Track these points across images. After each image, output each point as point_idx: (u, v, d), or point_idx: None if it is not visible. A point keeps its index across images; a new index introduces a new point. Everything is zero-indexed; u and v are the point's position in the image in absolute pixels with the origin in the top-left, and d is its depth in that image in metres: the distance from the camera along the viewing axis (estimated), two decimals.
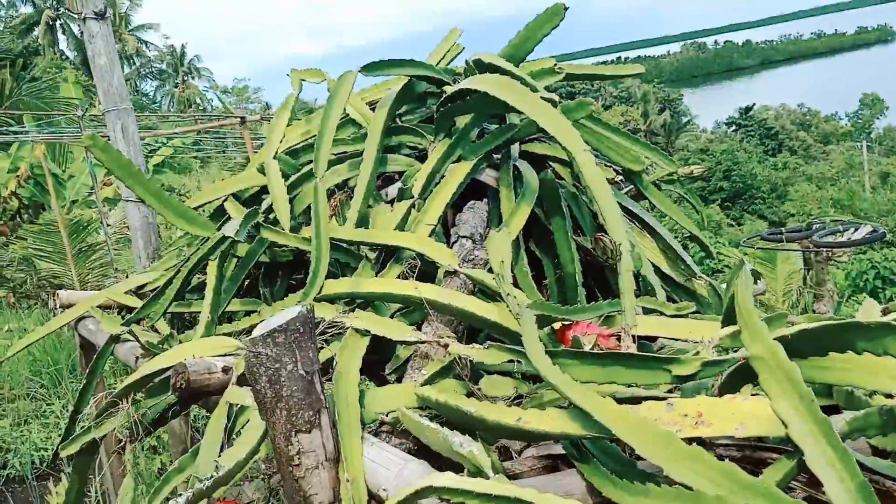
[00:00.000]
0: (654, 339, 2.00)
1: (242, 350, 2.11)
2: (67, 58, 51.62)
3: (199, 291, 3.14)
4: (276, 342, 1.61)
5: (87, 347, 3.60)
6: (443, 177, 2.85)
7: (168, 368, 2.14)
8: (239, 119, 6.38)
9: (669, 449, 1.10)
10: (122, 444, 2.22)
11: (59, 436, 5.64)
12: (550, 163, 3.08)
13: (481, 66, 3.04)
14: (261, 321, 1.73)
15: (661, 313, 2.14)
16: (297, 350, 1.63)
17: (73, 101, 14.09)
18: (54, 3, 50.97)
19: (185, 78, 60.22)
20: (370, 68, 3.14)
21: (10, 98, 12.67)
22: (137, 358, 2.68)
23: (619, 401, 1.23)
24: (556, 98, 2.38)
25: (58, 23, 51.33)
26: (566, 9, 2.95)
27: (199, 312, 2.86)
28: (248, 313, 3.01)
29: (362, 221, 2.79)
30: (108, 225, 7.10)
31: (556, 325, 1.91)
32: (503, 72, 2.78)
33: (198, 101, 54.65)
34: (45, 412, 6.07)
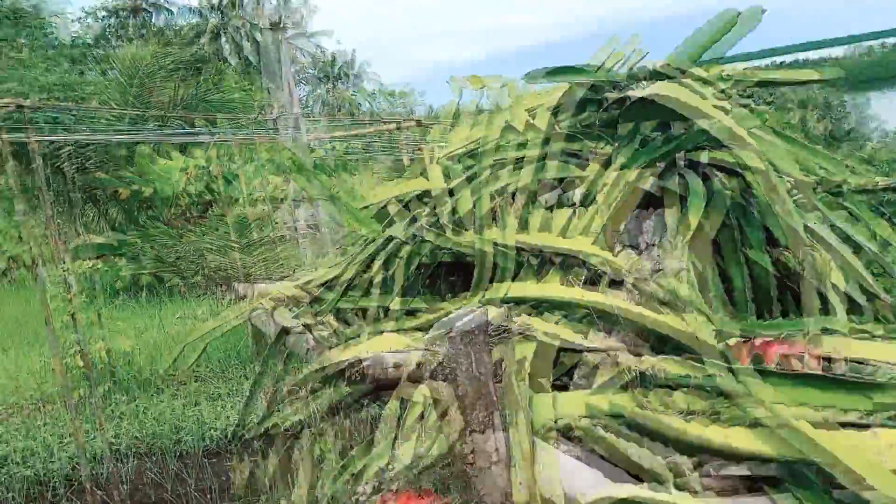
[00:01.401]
0: (855, 361, 1.90)
1: (413, 348, 2.21)
2: (230, 64, 55.29)
3: (362, 289, 3.30)
4: (453, 343, 1.68)
5: (259, 336, 3.85)
6: (605, 185, 2.84)
7: (345, 361, 2.27)
8: (395, 124, 6.62)
9: (878, 480, 1.05)
10: (300, 429, 2.38)
11: (227, 416, 6.07)
12: (717, 172, 2.99)
13: (648, 74, 3.00)
14: (435, 320, 1.81)
15: (868, 334, 2.02)
16: (472, 352, 1.69)
17: (237, 105, 15.11)
18: (219, 13, 54.67)
19: (337, 83, 62.81)
20: (532, 76, 3.17)
21: (183, 102, 13.67)
22: (308, 349, 2.86)
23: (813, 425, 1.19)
24: (750, 104, 2.31)
25: (223, 31, 55.04)
26: (764, 12, 2.83)
27: (364, 308, 3.01)
28: (408, 312, 3.13)
29: (523, 227, 2.84)
30: (276, 222, 7.61)
31: (732, 341, 1.86)
32: (671, 79, 2.73)
33: (347, 105, 56.83)
34: (213, 394, 6.52)
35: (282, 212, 12.20)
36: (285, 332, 3.08)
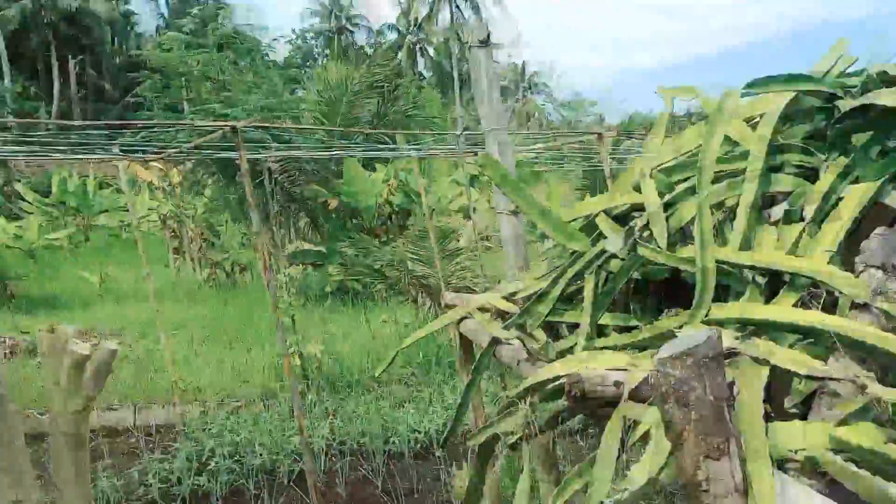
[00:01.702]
0: None
1: (633, 366, 2.19)
2: (424, 77, 57.63)
3: (568, 302, 3.30)
4: (685, 365, 1.64)
5: (467, 345, 3.97)
6: (840, 199, 2.65)
7: (563, 376, 2.29)
8: (596, 135, 6.57)
9: None
10: (518, 441, 2.43)
11: (431, 420, 6.31)
12: None
13: (886, 79, 2.76)
14: (655, 339, 1.78)
15: None
16: (705, 375, 1.65)
17: (436, 120, 15.70)
18: (416, 29, 57.07)
19: (525, 94, 63.33)
20: (753, 85, 3.04)
21: (384, 118, 14.35)
22: (519, 361, 2.91)
23: None
24: None
25: (417, 47, 57.42)
26: None
27: (572, 322, 3.02)
28: (619, 329, 3.09)
29: (746, 243, 2.71)
30: (480, 234, 7.85)
31: None
32: None
33: (535, 115, 57.07)
34: (417, 398, 6.83)
35: (476, 223, 12.51)
36: (496, 341, 3.16)
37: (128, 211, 23.92)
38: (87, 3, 40.46)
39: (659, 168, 3.45)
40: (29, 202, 22.60)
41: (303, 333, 7.45)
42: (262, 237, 5.42)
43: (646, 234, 3.14)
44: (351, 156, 11.67)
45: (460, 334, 3.95)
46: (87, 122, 5.69)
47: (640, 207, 3.34)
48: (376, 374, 5.27)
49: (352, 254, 9.40)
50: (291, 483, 5.27)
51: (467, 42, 4.56)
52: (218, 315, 11.19)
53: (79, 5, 40.17)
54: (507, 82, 63.61)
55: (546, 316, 3.15)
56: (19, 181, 25.53)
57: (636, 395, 2.09)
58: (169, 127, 9.71)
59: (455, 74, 51.92)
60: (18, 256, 17.22)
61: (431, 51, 58.40)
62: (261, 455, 5.51)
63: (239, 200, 13.01)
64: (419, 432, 6.11)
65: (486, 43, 4.48)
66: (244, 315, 11.05)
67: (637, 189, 3.33)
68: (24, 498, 2.18)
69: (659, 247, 2.91)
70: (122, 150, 6.17)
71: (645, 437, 1.94)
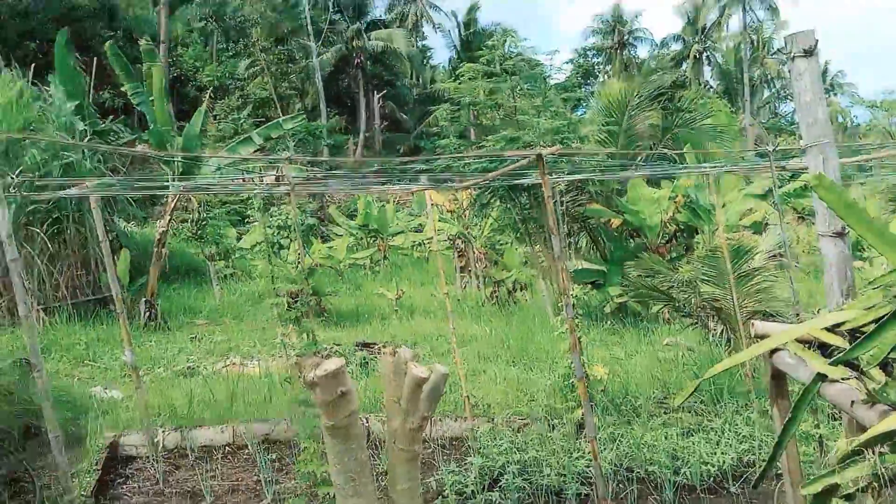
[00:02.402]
0: None
1: None
2: (711, 87, 54.87)
3: None
4: None
5: (779, 378, 3.60)
6: None
7: None
8: None
9: None
10: (860, 493, 2.13)
11: (723, 452, 5.87)
12: None
13: None
14: None
15: None
16: None
17: (724, 130, 14.79)
18: (702, 37, 54.59)
19: (828, 93, 57.49)
20: None
21: (668, 131, 13.82)
22: (853, 403, 2.55)
23: None
24: None
25: (703, 55, 54.84)
26: None
27: None
28: None
29: None
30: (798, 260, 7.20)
31: None
32: None
33: (840, 118, 51.54)
34: (706, 427, 6.40)
35: (765, 240, 11.52)
36: (821, 378, 2.81)
37: (419, 232, 25.86)
38: (391, 42, 44.63)
39: None
40: (339, 225, 25.34)
41: (588, 354, 7.37)
42: (561, 259, 5.46)
43: None
44: (641, 175, 11.41)
45: (772, 367, 3.60)
46: (409, 158, 6.20)
47: None
48: (676, 404, 5.02)
49: (637, 274, 9.13)
50: None
51: (790, 52, 4.19)
52: (501, 332, 11.53)
53: (385, 45, 44.45)
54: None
55: (889, 353, 2.75)
56: (330, 206, 28.82)
57: None
58: (479, 157, 10.27)
59: (745, 80, 48.79)
60: (329, 274, 19.33)
61: (719, 57, 55.49)
62: (548, 475, 5.52)
63: (523, 220, 13.34)
64: (711, 465, 5.71)
65: (811, 52, 4.09)
66: (525, 333, 11.26)
67: None
68: None
69: None
70: (429, 180, 6.61)
71: None
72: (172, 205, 13.23)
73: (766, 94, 55.82)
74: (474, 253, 17.96)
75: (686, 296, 8.32)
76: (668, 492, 5.35)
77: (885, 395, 2.45)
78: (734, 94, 51.45)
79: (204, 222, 15.66)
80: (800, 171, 20.51)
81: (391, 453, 2.48)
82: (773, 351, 3.60)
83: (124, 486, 5.64)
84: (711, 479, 5.59)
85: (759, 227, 16.00)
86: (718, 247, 7.65)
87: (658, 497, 5.35)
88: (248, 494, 5.53)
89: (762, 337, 3.67)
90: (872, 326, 3.24)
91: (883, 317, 3.03)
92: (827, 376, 2.86)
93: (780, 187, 21.25)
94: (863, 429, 2.56)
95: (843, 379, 2.62)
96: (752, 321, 3.74)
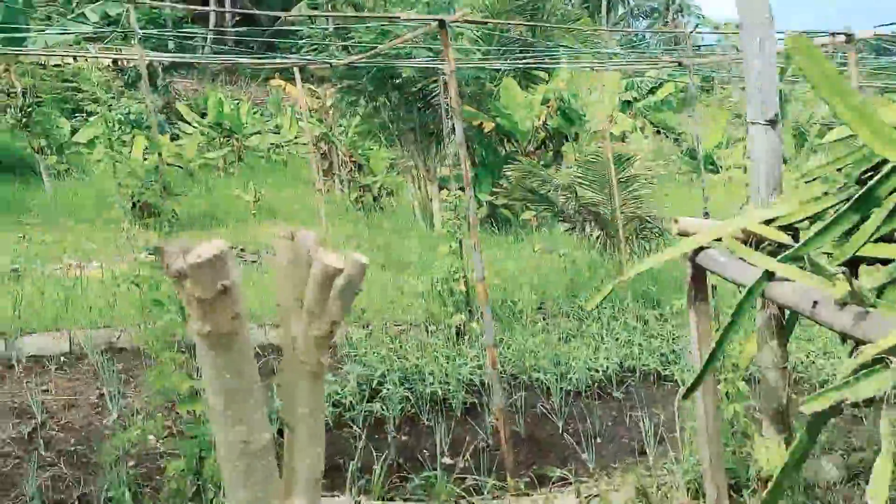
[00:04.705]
0: None
1: None
2: (571, 2, 55.09)
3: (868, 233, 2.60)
4: None
5: (699, 280, 3.35)
6: None
7: None
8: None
9: None
10: (867, 405, 1.84)
11: (606, 358, 5.76)
12: None
13: None
14: None
15: None
16: None
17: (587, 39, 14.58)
18: None
19: (675, 16, 59.42)
20: None
21: (543, 30, 13.31)
22: (816, 303, 2.27)
23: None
24: None
25: None
26: None
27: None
28: None
29: None
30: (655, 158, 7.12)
31: None
32: None
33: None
34: (585, 333, 6.30)
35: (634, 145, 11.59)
36: (768, 276, 2.52)
37: (277, 133, 24.49)
38: None
39: None
40: (188, 122, 23.46)
41: (465, 259, 7.02)
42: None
43: None
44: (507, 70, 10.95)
45: (693, 268, 3.33)
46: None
47: None
48: (589, 307, 4.75)
49: (515, 177, 8.82)
50: (465, 415, 4.92)
51: None
52: (368, 237, 11.03)
53: None
54: (655, 4, 59.72)
55: (860, 247, 2.48)
56: (177, 103, 26.58)
57: None
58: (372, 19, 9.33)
59: None
60: (178, 175, 17.85)
61: None
62: (431, 384, 5.18)
63: (392, 121, 12.69)
64: (594, 370, 5.59)
65: None
66: (394, 239, 10.83)
67: None
68: (251, 439, 1.80)
69: None
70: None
71: None
72: None
73: (621, 11, 56.93)
74: (339, 156, 17.16)
75: (564, 200, 8.13)
76: (556, 398, 5.17)
77: (864, 297, 2.16)
78: (593, 12, 51.89)
79: (30, 108, 13.77)
80: (658, 84, 20.91)
81: (288, 368, 1.94)
82: (698, 250, 3.33)
83: None
84: (596, 384, 5.47)
85: (622, 138, 16.25)
86: (599, 152, 7.45)
87: (546, 403, 5.16)
88: (88, 410, 4.81)
89: (685, 234, 3.38)
90: (808, 223, 3.02)
91: (832, 208, 2.78)
92: (774, 275, 2.59)
93: (638, 101, 21.62)
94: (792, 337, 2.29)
95: (806, 278, 2.34)
96: (675, 217, 3.44)
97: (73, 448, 4.23)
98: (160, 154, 5.82)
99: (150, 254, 8.81)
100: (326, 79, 15.63)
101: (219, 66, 30.01)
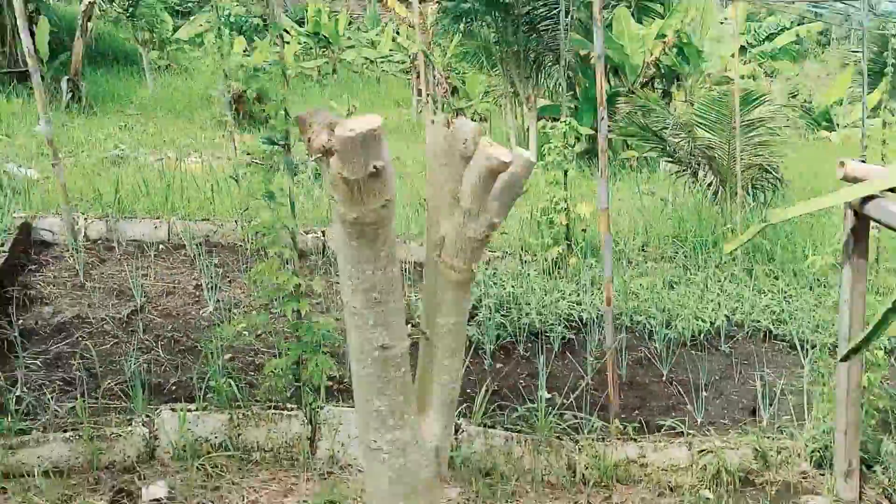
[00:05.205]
0: None
1: None
2: None
3: None
4: None
5: (861, 232, 2.99)
6: None
7: None
8: None
9: None
10: None
11: (712, 310, 5.43)
12: None
13: None
14: None
15: None
16: None
17: None
18: None
19: None
20: None
21: None
22: None
23: None
24: None
25: None
26: None
27: None
28: None
29: None
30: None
31: None
32: None
33: None
34: (690, 280, 5.96)
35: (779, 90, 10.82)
36: None
37: (372, 48, 24.17)
38: None
39: None
40: (286, 31, 23.37)
41: (569, 192, 6.70)
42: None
43: None
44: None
45: (857, 217, 2.97)
46: None
47: None
48: (727, 250, 4.41)
49: (627, 111, 8.36)
50: (564, 351, 4.70)
51: None
52: None
53: None
54: None
55: None
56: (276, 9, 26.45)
57: None
58: None
59: None
60: (274, 80, 17.83)
61: None
62: (527, 314, 4.97)
63: (496, 42, 12.22)
64: (702, 321, 5.27)
65: None
66: None
67: None
68: (391, 344, 1.62)
69: None
70: None
71: None
72: None
73: None
74: (434, 76, 16.79)
75: (678, 140, 7.65)
76: (659, 343, 4.89)
77: None
78: None
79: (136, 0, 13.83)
80: (779, 30, 19.61)
81: (432, 272, 1.73)
82: (866, 199, 2.95)
83: (38, 275, 4.82)
84: (702, 335, 5.16)
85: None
86: (727, 89, 6.92)
87: (648, 348, 4.89)
88: (185, 299, 4.80)
89: (852, 180, 3.01)
90: None
91: None
92: None
93: (753, 46, 20.37)
94: None
95: None
96: (843, 160, 3.06)
97: (170, 334, 4.22)
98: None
99: (247, 154, 8.79)
100: None
101: None
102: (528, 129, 12.91)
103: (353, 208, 1.50)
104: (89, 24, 11.71)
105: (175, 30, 19.95)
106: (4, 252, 4.60)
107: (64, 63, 11.60)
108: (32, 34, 6.84)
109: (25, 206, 5.56)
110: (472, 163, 1.61)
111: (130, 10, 13.95)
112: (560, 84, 13.40)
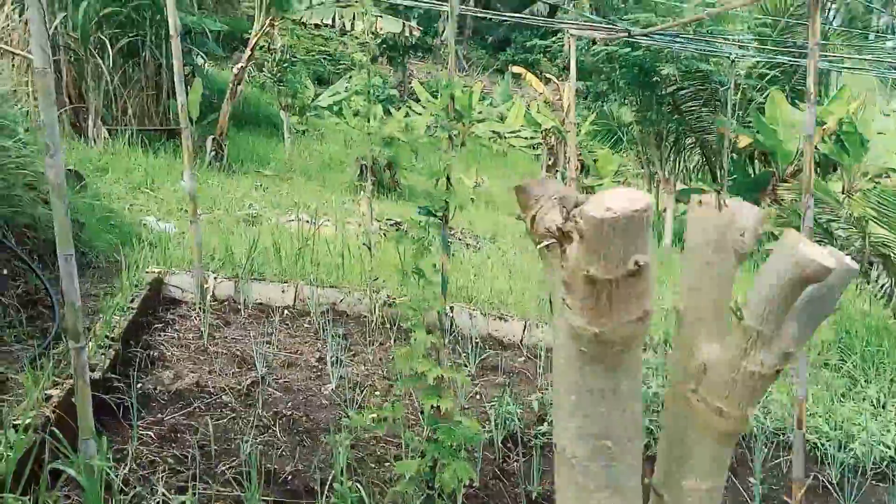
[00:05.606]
0: None
1: None
2: None
3: None
4: None
5: None
6: None
7: None
8: None
9: None
10: None
11: (888, 430, 4.65)
12: None
13: None
14: None
15: None
16: None
17: None
18: None
19: None
20: None
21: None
22: None
23: None
24: None
25: None
26: None
27: None
28: None
29: None
30: None
31: None
32: None
33: None
34: (860, 395, 5.16)
35: None
36: None
37: (501, 122, 24.25)
38: None
39: None
40: (419, 102, 23.83)
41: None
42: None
43: None
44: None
45: None
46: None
47: None
48: None
49: (791, 199, 7.65)
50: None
51: None
52: None
53: None
54: None
55: None
56: (412, 80, 27.19)
57: None
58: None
59: None
60: (405, 149, 18.04)
61: None
62: None
63: (638, 122, 11.79)
64: (885, 445, 4.48)
65: None
66: None
67: None
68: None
69: None
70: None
71: None
72: (255, 39, 11.95)
73: None
74: (565, 153, 16.48)
75: (847, 236, 6.86)
76: (832, 470, 4.15)
77: None
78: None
79: (286, 65, 14.35)
80: None
81: (680, 412, 1.25)
82: None
83: (162, 334, 4.64)
84: (885, 462, 4.36)
85: None
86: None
87: (820, 474, 4.15)
88: (307, 373, 4.48)
89: None
90: None
91: None
92: None
93: None
94: None
95: None
96: None
97: (289, 412, 3.88)
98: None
99: (386, 221, 8.65)
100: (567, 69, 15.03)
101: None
102: (663, 211, 12.28)
103: (597, 321, 1.07)
104: (239, 87, 12.14)
105: (316, 96, 20.75)
106: (133, 309, 4.45)
107: (211, 123, 12.04)
108: (186, 94, 7.00)
109: (160, 262, 5.49)
110: (770, 265, 1.16)
111: (279, 75, 14.49)
112: (703, 165, 12.77)
